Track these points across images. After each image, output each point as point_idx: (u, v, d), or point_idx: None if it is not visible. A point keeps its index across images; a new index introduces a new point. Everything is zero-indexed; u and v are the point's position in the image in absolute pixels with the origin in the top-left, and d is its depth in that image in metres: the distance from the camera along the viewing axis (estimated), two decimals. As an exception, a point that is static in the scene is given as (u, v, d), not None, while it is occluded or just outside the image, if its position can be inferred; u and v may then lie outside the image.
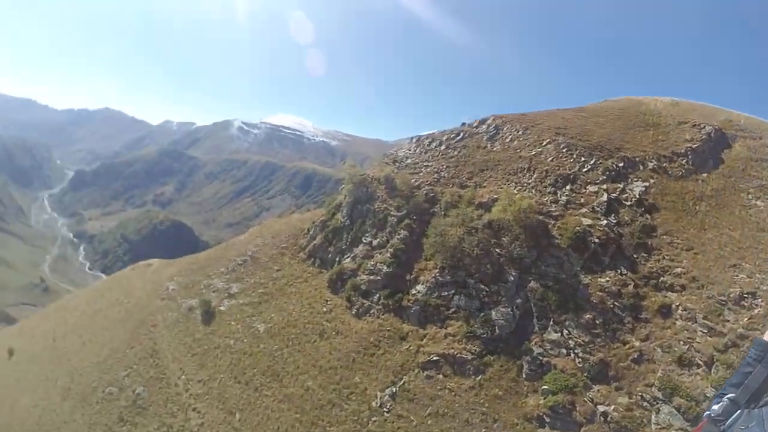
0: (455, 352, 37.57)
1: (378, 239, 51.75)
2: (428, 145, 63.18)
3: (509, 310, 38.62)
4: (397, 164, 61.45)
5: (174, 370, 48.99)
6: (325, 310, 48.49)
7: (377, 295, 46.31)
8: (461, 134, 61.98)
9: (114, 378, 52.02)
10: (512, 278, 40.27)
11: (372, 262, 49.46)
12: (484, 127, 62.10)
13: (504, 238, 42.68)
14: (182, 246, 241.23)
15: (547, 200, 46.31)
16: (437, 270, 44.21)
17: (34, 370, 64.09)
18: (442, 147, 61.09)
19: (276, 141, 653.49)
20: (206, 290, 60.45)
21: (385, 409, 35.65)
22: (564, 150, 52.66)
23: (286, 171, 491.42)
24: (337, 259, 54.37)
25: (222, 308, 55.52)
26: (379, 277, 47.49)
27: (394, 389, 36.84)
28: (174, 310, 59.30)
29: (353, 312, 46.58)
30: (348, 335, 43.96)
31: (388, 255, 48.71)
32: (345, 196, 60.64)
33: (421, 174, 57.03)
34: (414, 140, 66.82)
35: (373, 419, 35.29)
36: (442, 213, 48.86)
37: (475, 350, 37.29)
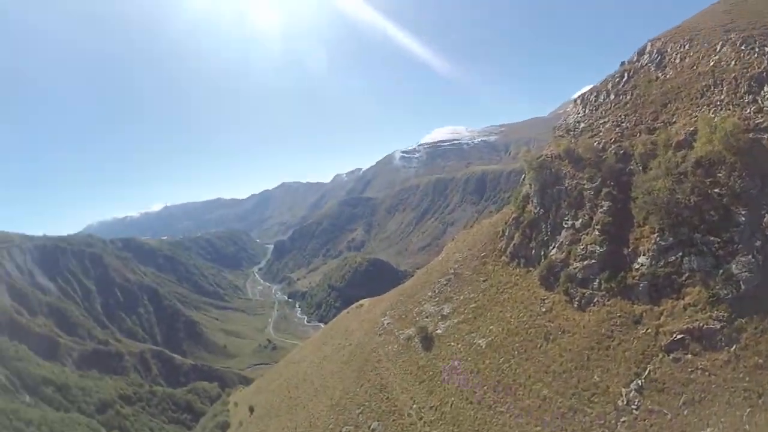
0: (701, 324, 33.49)
1: (580, 219, 48.92)
2: (595, 101, 58.85)
3: (750, 257, 33.53)
4: (572, 132, 57.92)
5: (404, 400, 51.37)
6: (543, 310, 47.14)
7: (596, 280, 43.61)
8: (625, 75, 56.61)
9: (349, 417, 56.48)
10: (743, 218, 34.97)
11: (581, 246, 46.89)
12: (646, 57, 56.09)
13: (719, 174, 37.34)
14: (384, 280, 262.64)
15: (749, 112, 39.55)
16: (656, 234, 40.17)
17: (274, 422, 72.03)
18: (611, 96, 56.37)
19: (438, 157, 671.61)
20: (419, 317, 62.82)
21: (633, 406, 33.07)
22: (743, 47, 44.76)
23: (457, 182, 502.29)
24: (542, 252, 52.69)
25: (439, 331, 57.03)
26: (593, 261, 44.71)
27: (639, 382, 34.04)
28: (393, 343, 62.36)
29: (575, 305, 44.49)
30: (575, 332, 42.02)
31: (597, 233, 45.69)
32: (530, 184, 58.74)
33: (601, 133, 52.83)
34: (578, 101, 62.79)
35: (622, 419, 32.97)
36: (640, 168, 44.61)
37: (723, 316, 32.86)
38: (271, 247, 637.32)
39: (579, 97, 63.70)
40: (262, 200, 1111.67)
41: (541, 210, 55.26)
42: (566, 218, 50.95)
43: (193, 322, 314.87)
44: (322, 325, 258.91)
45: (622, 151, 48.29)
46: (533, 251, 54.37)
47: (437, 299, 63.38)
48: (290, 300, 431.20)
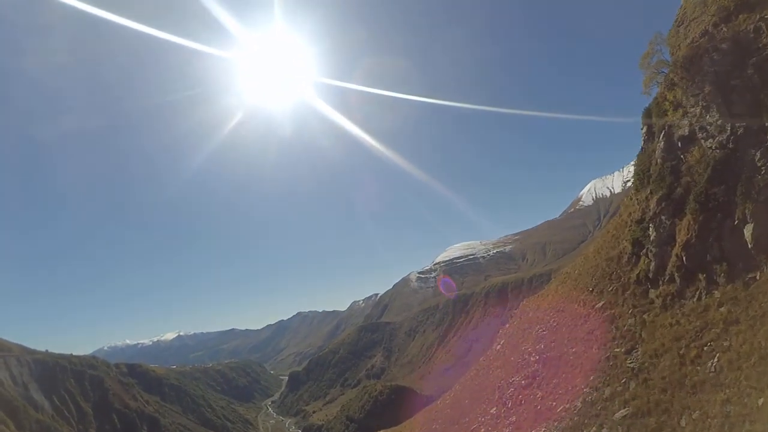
0: None
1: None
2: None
3: None
4: None
5: None
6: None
7: None
8: None
9: None
10: None
11: None
12: None
13: None
14: (408, 408, 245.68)
15: None
16: None
17: None
18: None
19: (455, 273, 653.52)
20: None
21: None
22: None
23: (477, 296, 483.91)
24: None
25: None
26: None
27: None
28: None
29: None
30: None
31: None
32: (682, 99, 30.55)
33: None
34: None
35: None
36: None
37: None
38: (286, 378, 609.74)
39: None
40: (277, 330, 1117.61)
41: (731, 135, 25.95)
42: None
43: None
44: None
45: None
46: (736, 223, 25.25)
47: (513, 418, 33.24)
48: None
